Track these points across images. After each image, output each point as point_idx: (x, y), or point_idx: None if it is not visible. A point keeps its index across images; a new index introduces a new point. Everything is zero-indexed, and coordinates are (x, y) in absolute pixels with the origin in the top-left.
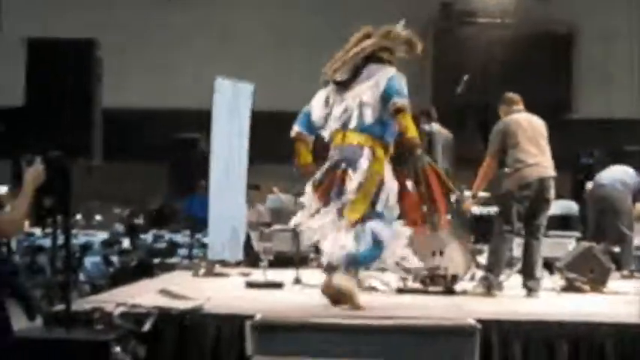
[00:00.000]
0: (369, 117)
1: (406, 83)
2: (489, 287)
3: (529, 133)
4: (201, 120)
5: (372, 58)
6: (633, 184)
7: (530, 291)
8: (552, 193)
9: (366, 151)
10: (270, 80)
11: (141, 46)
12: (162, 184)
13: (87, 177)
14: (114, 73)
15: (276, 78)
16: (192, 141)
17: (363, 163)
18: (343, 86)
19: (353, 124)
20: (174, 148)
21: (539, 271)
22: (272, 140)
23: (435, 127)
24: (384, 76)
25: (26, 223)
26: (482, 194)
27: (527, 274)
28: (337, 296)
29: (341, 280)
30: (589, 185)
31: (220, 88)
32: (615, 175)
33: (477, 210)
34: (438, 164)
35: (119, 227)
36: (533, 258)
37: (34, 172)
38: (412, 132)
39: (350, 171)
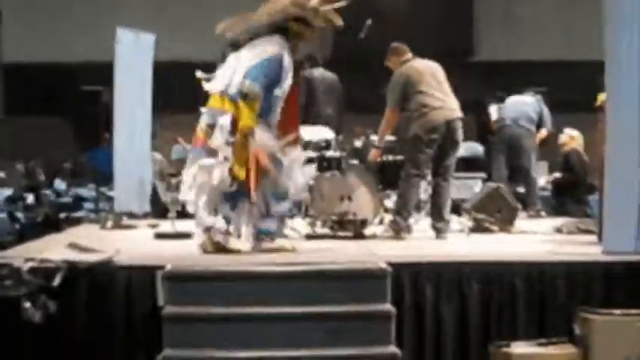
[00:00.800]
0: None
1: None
2: (398, 230)
3: (429, 78)
4: (104, 72)
5: (279, 26)
6: (533, 113)
7: (440, 232)
8: (460, 134)
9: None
10: (172, 30)
11: None
12: (67, 137)
13: None
14: (14, 26)
15: (179, 27)
16: (95, 93)
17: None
18: (236, 47)
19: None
20: (78, 101)
21: (448, 213)
22: (174, 90)
23: (317, 71)
24: (261, 53)
25: None
26: (388, 138)
27: (436, 216)
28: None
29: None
30: (492, 110)
31: (122, 39)
32: (515, 111)
33: (383, 157)
34: (316, 109)
35: (23, 183)
36: (442, 199)
37: None
38: (244, 120)
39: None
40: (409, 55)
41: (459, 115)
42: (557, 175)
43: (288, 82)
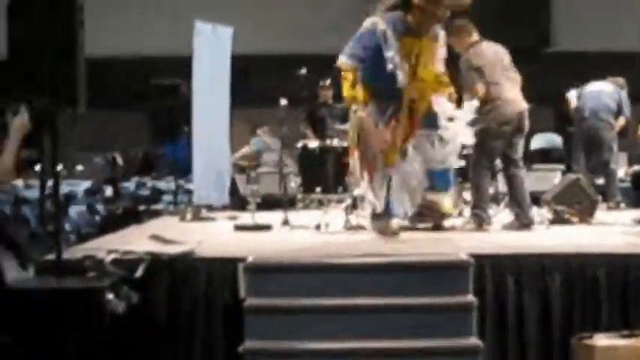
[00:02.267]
0: None
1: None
2: (480, 222)
3: (500, 68)
4: (182, 65)
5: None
6: (612, 102)
7: (526, 226)
8: (527, 123)
9: None
10: (249, 23)
11: None
12: (145, 131)
13: (72, 126)
14: (95, 21)
15: (256, 21)
16: (173, 87)
17: None
18: None
19: None
20: (156, 94)
21: (528, 202)
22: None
23: None
24: (360, 30)
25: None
26: None
27: (520, 206)
28: None
29: None
30: (572, 95)
31: (200, 32)
32: (595, 101)
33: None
34: None
35: (102, 176)
36: (524, 188)
37: (20, 122)
38: (344, 92)
39: None
40: (476, 35)
41: (526, 106)
42: (637, 167)
43: (389, 52)
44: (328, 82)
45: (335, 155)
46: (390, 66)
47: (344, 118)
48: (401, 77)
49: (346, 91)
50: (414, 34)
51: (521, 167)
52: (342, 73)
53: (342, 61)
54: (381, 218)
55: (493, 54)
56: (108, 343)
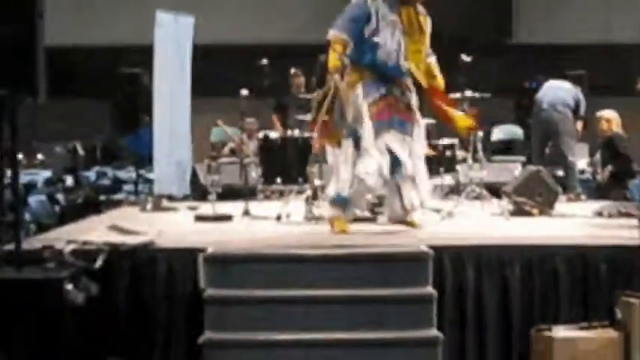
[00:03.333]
0: None
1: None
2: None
3: None
4: (143, 55)
5: None
6: (570, 99)
7: None
8: None
9: None
10: (213, 12)
11: None
12: (107, 121)
13: (32, 115)
14: (56, 10)
15: (220, 10)
16: (134, 76)
17: None
18: None
19: None
20: (117, 84)
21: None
22: (214, 72)
23: None
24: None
25: None
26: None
27: None
28: None
29: None
30: None
31: (161, 22)
32: (553, 95)
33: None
34: None
35: (62, 165)
36: None
37: None
38: (330, 62)
39: None
40: None
41: None
42: (610, 167)
43: (373, 24)
44: (297, 70)
45: (296, 146)
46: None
47: (308, 109)
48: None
49: (332, 61)
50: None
51: None
52: (331, 44)
53: (332, 32)
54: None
55: None
56: (67, 334)
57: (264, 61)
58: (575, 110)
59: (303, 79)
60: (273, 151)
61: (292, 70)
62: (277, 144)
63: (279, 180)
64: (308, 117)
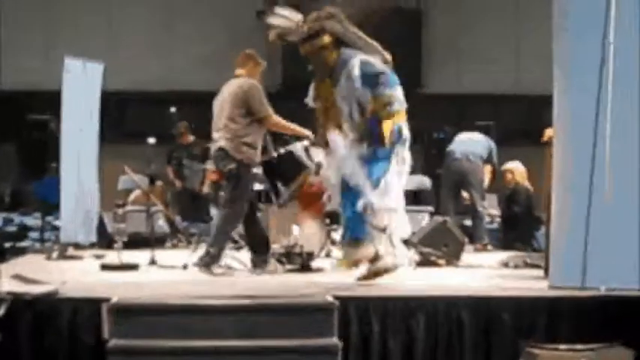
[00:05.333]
0: None
1: None
2: None
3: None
4: (52, 101)
5: None
6: (483, 150)
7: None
8: None
9: None
10: (122, 59)
11: None
12: (12, 166)
13: None
14: None
15: (127, 56)
16: (42, 122)
17: None
18: None
19: None
20: (25, 129)
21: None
22: (122, 120)
23: None
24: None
25: None
26: None
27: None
28: None
29: None
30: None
31: (70, 68)
32: (466, 146)
33: None
34: None
35: None
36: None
37: None
38: None
39: None
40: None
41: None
42: (503, 209)
43: None
44: (184, 125)
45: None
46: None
47: (203, 158)
48: None
49: None
50: None
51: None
52: None
53: None
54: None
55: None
56: None
57: (173, 109)
58: (488, 159)
59: (189, 134)
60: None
61: (178, 126)
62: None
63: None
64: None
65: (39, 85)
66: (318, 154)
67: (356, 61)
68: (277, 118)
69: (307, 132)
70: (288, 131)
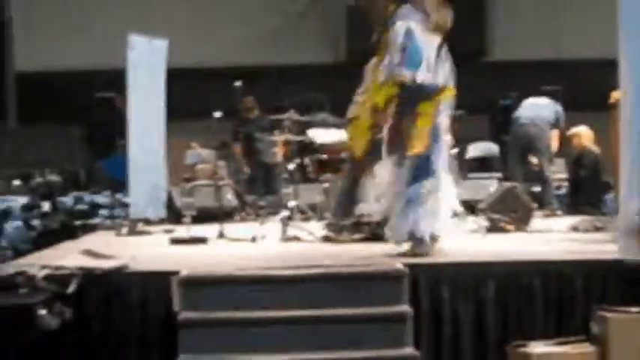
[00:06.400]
0: None
1: None
2: None
3: None
4: (118, 79)
5: None
6: (550, 115)
7: None
8: None
9: None
10: (184, 35)
11: (53, 5)
12: (81, 145)
13: (3, 141)
14: (26, 34)
15: (190, 33)
16: (109, 100)
17: None
18: None
19: None
20: (92, 108)
21: None
22: (187, 96)
23: None
24: None
25: None
26: None
27: None
28: None
29: None
30: None
31: (134, 45)
32: (532, 111)
33: None
34: None
35: (38, 191)
36: None
37: None
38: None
39: None
40: None
41: None
42: (571, 174)
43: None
44: (250, 99)
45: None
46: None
47: (272, 129)
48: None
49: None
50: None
51: None
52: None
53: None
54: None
55: None
56: (41, 359)
57: (238, 83)
58: (555, 124)
59: (256, 107)
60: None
61: (244, 101)
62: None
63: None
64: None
65: (104, 63)
66: None
67: (401, 27)
68: None
69: None
70: None
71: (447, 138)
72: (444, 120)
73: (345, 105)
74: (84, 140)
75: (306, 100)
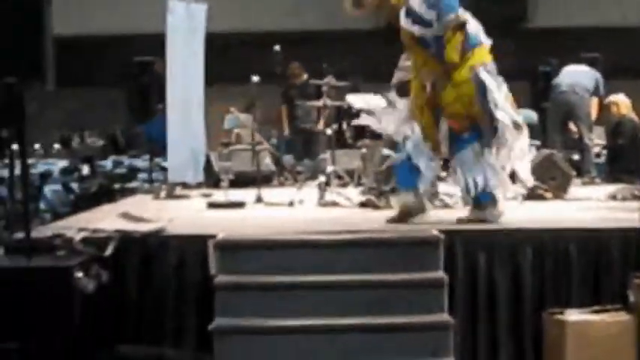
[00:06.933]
0: None
1: None
2: None
3: None
4: (156, 43)
5: None
6: (589, 82)
7: None
8: None
9: None
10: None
11: None
12: (120, 109)
13: (43, 103)
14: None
15: None
16: (147, 64)
17: None
18: None
19: None
20: (130, 72)
21: None
22: (226, 60)
23: None
24: None
25: None
26: None
27: None
28: None
29: None
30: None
31: (173, 9)
32: (572, 78)
33: None
34: None
35: (78, 155)
36: None
37: None
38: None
39: None
40: None
41: None
42: (610, 142)
43: None
44: (296, 65)
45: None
46: None
47: (318, 96)
48: None
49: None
50: None
51: None
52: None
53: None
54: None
55: None
56: (78, 321)
57: (277, 48)
58: (595, 92)
59: (303, 72)
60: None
61: (291, 65)
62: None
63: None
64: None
65: (143, 27)
66: None
67: None
68: None
69: None
70: None
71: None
72: None
73: (383, 71)
74: (123, 104)
75: (342, 67)
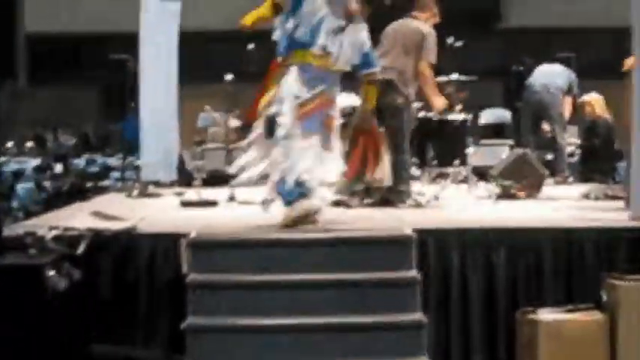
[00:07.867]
0: None
1: None
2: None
3: None
4: (130, 41)
5: None
6: (563, 82)
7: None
8: None
9: None
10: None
11: None
12: (93, 107)
13: (14, 101)
14: None
15: None
16: (121, 62)
17: None
18: None
19: None
20: (105, 70)
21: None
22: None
23: None
24: None
25: None
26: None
27: None
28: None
29: None
30: None
31: (148, 7)
32: (546, 78)
33: None
34: None
35: (51, 153)
36: None
37: None
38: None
39: None
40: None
41: None
42: (583, 142)
43: None
44: None
45: None
46: None
47: None
48: None
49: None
50: None
51: None
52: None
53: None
54: None
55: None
56: (49, 320)
57: (251, 46)
58: (568, 91)
59: None
60: None
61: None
62: None
63: None
64: None
65: (118, 25)
66: None
67: None
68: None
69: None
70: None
71: None
72: None
73: None
74: (97, 102)
75: None
